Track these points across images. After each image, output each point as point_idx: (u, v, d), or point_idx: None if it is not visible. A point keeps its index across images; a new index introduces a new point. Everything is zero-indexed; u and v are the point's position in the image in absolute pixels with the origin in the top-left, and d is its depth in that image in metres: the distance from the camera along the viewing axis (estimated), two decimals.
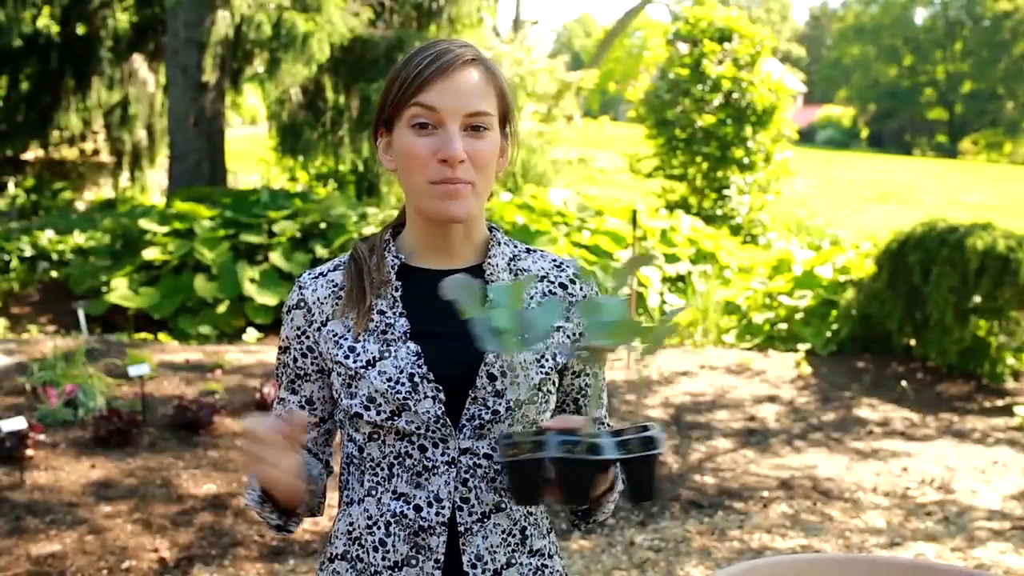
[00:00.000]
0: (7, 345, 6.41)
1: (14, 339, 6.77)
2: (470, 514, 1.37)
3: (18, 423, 4.22)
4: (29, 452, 4.48)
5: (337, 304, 1.41)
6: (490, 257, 1.45)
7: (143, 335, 7.49)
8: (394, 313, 1.39)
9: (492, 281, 1.43)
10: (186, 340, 7.49)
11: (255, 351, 6.85)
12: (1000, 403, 6.55)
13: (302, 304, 1.43)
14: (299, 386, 1.46)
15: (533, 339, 1.25)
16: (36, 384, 5.35)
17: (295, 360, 1.45)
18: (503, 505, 1.39)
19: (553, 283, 1.46)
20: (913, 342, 7.19)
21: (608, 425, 1.53)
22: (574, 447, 1.22)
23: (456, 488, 1.36)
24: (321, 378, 1.44)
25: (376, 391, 1.35)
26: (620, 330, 1.23)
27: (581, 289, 1.47)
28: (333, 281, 1.44)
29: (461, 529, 1.37)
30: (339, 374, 1.39)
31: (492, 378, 1.36)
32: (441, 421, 1.35)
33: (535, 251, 1.50)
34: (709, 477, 4.97)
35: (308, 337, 1.43)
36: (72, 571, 3.60)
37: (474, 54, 1.38)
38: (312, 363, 1.44)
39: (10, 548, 3.73)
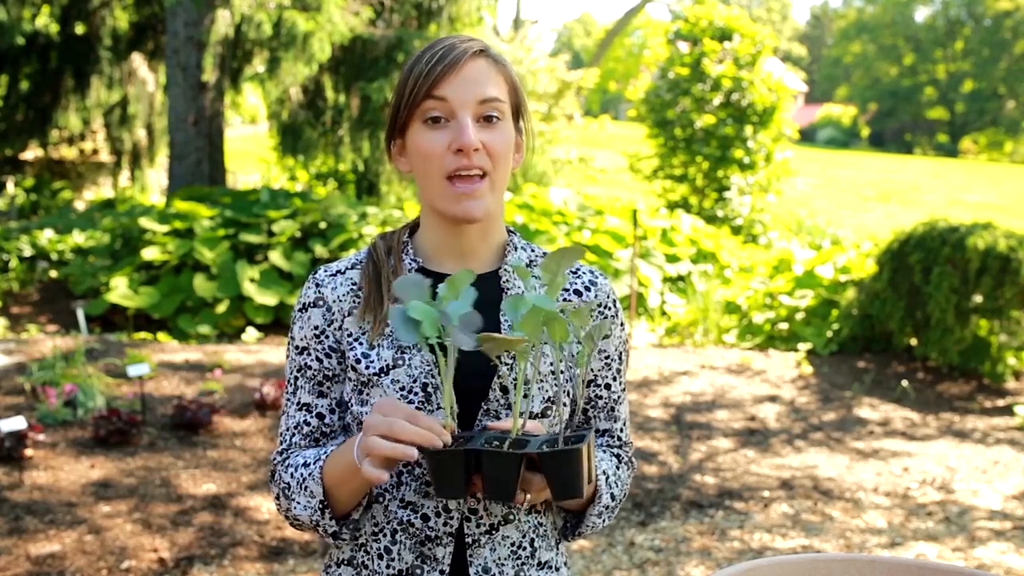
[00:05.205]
0: (7, 345, 6.40)
1: (14, 339, 6.76)
2: (478, 525, 1.35)
3: (18, 423, 4.21)
4: (29, 452, 4.48)
5: (355, 303, 1.38)
6: (507, 263, 1.41)
7: (142, 335, 7.49)
8: None
9: (508, 288, 1.40)
10: (186, 340, 7.49)
11: (255, 351, 6.84)
12: (1001, 403, 6.54)
13: (320, 302, 1.38)
14: (328, 388, 1.39)
15: (457, 327, 1.21)
16: (36, 384, 5.35)
17: (319, 361, 1.38)
18: (512, 517, 1.36)
19: (568, 289, 1.43)
20: (914, 342, 7.18)
21: (619, 438, 1.49)
22: (502, 444, 1.20)
23: (465, 499, 1.33)
24: (346, 378, 1.39)
25: None
26: (529, 319, 1.19)
27: (596, 296, 1.43)
28: (352, 279, 1.40)
29: (468, 540, 1.35)
30: (351, 379, 1.37)
31: (504, 390, 1.33)
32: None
33: None
34: (709, 477, 4.96)
35: (328, 336, 1.38)
36: (71, 571, 3.59)
37: (482, 46, 1.36)
38: (339, 363, 1.38)
39: (10, 548, 3.72)
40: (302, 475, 1.34)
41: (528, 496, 1.23)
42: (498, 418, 1.33)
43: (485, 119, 1.33)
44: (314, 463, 1.33)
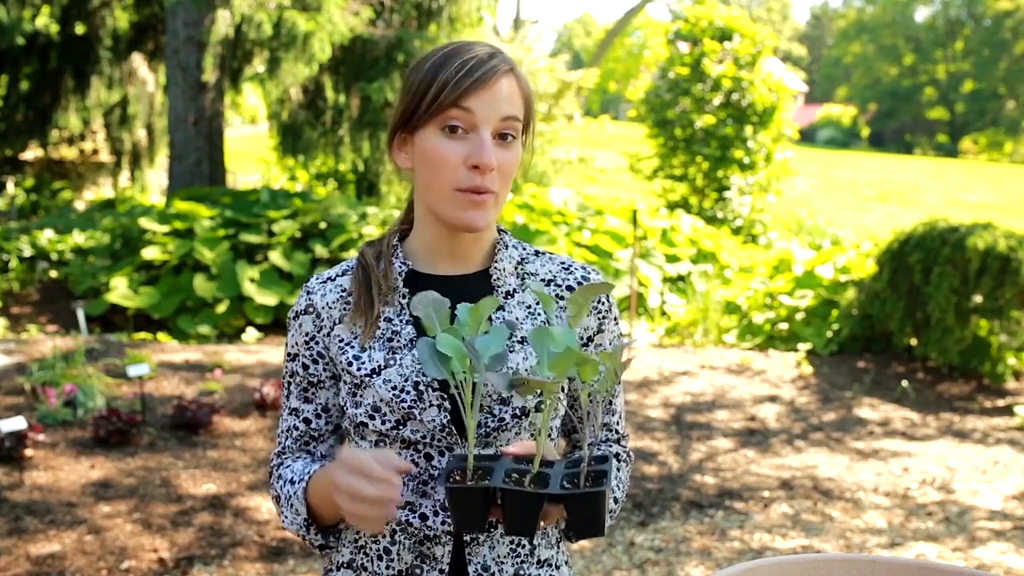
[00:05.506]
0: (7, 345, 6.40)
1: (14, 339, 6.77)
2: None
3: (18, 423, 4.21)
4: (28, 452, 4.48)
5: (345, 309, 1.39)
6: (496, 261, 1.42)
7: (142, 335, 7.49)
8: (401, 320, 1.37)
9: (499, 286, 1.41)
10: (185, 340, 7.48)
11: (255, 351, 6.85)
12: (1001, 403, 6.54)
13: (311, 309, 1.40)
14: (313, 394, 1.42)
15: (487, 365, 1.19)
16: (36, 384, 5.35)
17: (306, 367, 1.41)
18: None
19: (560, 287, 1.43)
20: (914, 342, 7.18)
21: (616, 431, 1.50)
22: (522, 476, 1.18)
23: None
24: (335, 384, 1.41)
25: (381, 400, 1.33)
26: (561, 362, 1.17)
27: None
28: (341, 286, 1.41)
29: (467, 539, 1.35)
30: (345, 382, 1.38)
31: None
32: (447, 430, 1.33)
33: (544, 254, 1.48)
34: (709, 477, 4.96)
35: (318, 343, 1.40)
36: (71, 571, 3.59)
37: (511, 64, 1.37)
38: (325, 369, 1.40)
39: (10, 548, 3.72)
40: (288, 492, 1.38)
41: (544, 523, 1.24)
42: (492, 413, 1.33)
43: (501, 137, 1.34)
44: (299, 482, 1.37)
